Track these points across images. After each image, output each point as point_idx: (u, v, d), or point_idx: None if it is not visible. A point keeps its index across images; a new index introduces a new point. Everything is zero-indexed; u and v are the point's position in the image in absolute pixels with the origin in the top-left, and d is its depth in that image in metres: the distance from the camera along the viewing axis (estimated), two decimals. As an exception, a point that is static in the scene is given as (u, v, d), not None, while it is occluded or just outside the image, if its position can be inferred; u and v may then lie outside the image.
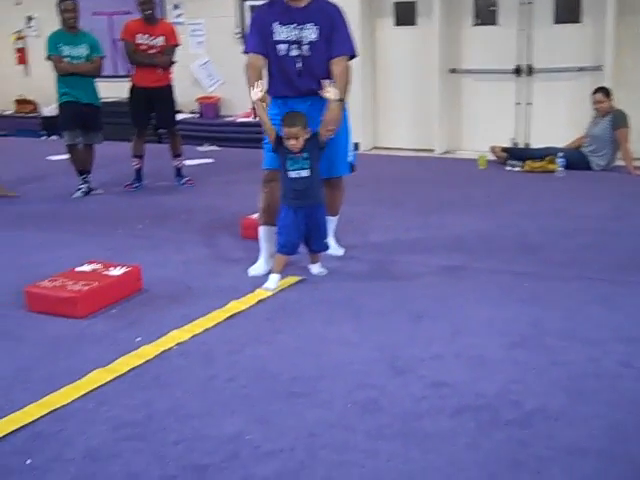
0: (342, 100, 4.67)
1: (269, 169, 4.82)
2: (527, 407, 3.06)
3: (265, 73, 4.76)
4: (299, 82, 4.71)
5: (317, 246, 4.77)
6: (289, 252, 4.64)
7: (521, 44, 9.25)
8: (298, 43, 4.65)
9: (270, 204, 4.82)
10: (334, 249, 5.18)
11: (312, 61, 4.67)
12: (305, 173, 4.52)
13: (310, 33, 4.64)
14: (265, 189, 4.88)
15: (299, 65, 4.67)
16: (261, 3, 4.87)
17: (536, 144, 9.05)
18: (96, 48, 7.30)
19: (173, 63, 7.58)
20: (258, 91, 4.46)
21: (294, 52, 4.66)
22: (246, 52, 4.79)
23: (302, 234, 4.65)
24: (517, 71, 9.32)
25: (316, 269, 4.81)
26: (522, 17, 9.17)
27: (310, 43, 4.65)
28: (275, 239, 4.76)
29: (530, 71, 9.28)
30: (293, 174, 4.53)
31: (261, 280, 4.62)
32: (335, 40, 4.70)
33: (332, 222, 5.19)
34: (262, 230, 4.93)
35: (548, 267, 4.89)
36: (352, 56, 4.79)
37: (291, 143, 4.46)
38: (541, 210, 6.43)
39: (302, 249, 4.79)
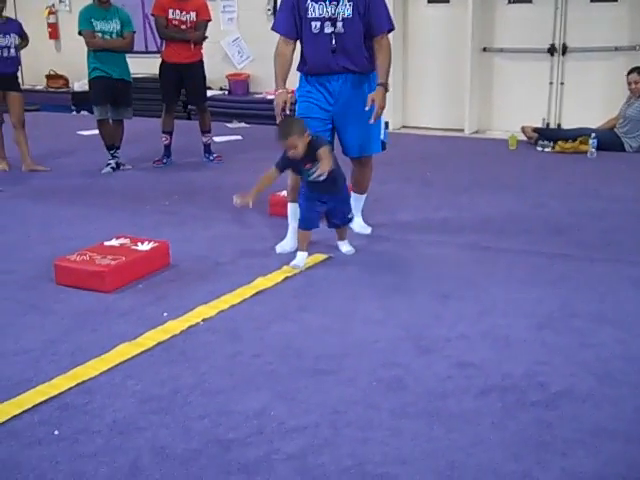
0: (387, 84, 4.69)
1: None
2: (554, 389, 3.04)
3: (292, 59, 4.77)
4: (333, 60, 4.66)
5: (338, 220, 4.71)
6: (307, 227, 4.61)
7: (556, 23, 9.13)
8: (332, 20, 4.59)
9: (298, 182, 4.81)
10: (362, 227, 5.16)
11: (346, 38, 4.62)
12: (321, 178, 4.35)
13: (345, 9, 4.58)
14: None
15: (333, 42, 4.62)
16: None
17: (568, 125, 8.96)
18: (128, 23, 7.31)
19: (205, 39, 7.56)
20: (282, 98, 4.62)
21: (328, 29, 4.61)
22: (275, 30, 4.76)
23: (321, 210, 4.62)
24: (551, 50, 9.20)
25: (344, 247, 4.79)
26: (557, -5, 9.04)
27: (344, 20, 4.59)
28: None
29: (564, 50, 9.16)
30: (310, 179, 4.46)
31: (288, 257, 4.62)
32: (374, 16, 4.64)
33: (360, 200, 5.18)
34: (290, 207, 4.92)
35: (578, 249, 4.84)
36: (390, 30, 4.76)
37: (291, 153, 4.38)
38: (572, 191, 6.36)
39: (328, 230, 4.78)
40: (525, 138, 8.53)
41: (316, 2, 4.59)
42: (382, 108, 4.67)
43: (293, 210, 4.89)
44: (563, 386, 3.06)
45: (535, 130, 8.54)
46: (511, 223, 5.45)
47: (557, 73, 9.28)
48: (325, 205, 4.59)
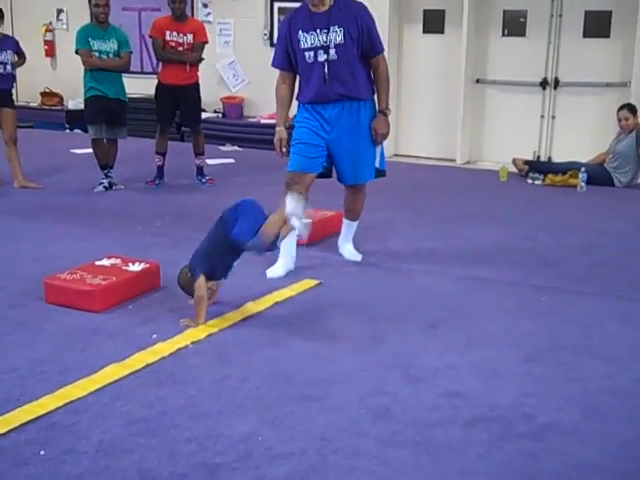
0: (387, 109, 4.81)
1: (292, 171, 4.81)
2: (540, 421, 3.05)
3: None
4: (328, 88, 4.70)
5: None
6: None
7: (549, 57, 9.23)
8: (325, 48, 4.65)
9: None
10: (352, 254, 5.17)
11: (340, 64, 4.67)
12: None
13: (336, 36, 4.63)
14: (287, 192, 4.85)
15: (325, 70, 4.66)
16: (290, 5, 4.92)
17: (558, 158, 9.02)
18: (125, 44, 7.34)
19: (201, 60, 7.61)
20: (280, 135, 4.79)
21: (321, 57, 4.66)
22: (273, 65, 4.88)
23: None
24: (543, 84, 9.30)
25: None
26: (551, 30, 9.14)
27: (337, 46, 4.64)
28: (294, 242, 4.79)
29: (556, 84, 9.25)
30: None
31: (278, 282, 4.63)
32: (368, 40, 4.71)
33: (352, 227, 5.21)
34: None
35: (567, 282, 4.87)
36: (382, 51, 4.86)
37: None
38: (561, 224, 6.41)
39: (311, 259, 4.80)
40: (516, 170, 8.59)
41: (307, 32, 4.65)
42: (386, 134, 4.79)
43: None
44: (549, 419, 3.07)
45: (526, 162, 8.59)
46: (501, 254, 5.48)
47: (549, 106, 9.36)
48: None
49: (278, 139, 4.83)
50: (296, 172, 4.79)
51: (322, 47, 4.65)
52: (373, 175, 5.03)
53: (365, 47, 4.72)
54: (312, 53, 4.67)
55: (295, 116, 4.95)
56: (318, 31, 4.63)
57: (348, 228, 5.18)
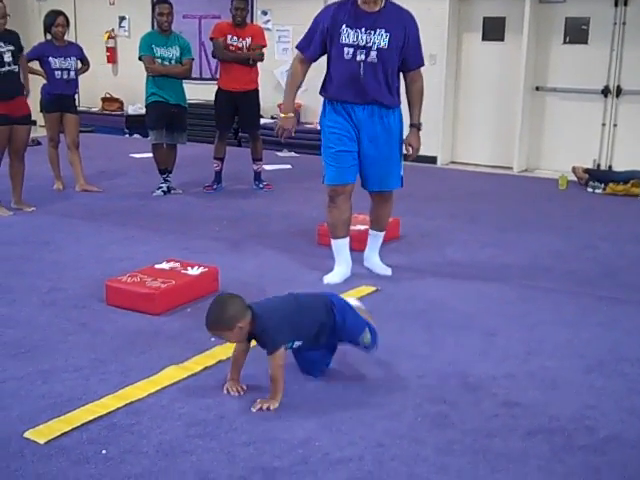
0: (420, 123, 4.71)
1: (332, 185, 4.73)
2: (602, 434, 3.00)
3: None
4: (362, 88, 4.55)
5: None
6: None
7: (611, 64, 9.09)
8: (366, 48, 4.51)
9: (340, 218, 4.79)
10: (381, 268, 5.04)
11: (379, 68, 4.55)
12: None
13: (380, 40, 4.50)
14: (332, 204, 4.78)
15: (362, 71, 4.53)
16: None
17: (620, 167, 8.87)
18: (187, 51, 7.44)
19: (263, 57, 7.63)
20: (287, 123, 4.66)
21: (360, 57, 4.52)
22: (300, 49, 4.68)
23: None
24: (604, 91, 9.16)
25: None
26: (614, 37, 9.01)
27: (379, 50, 4.52)
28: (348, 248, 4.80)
29: (618, 92, 9.10)
30: None
31: (334, 288, 4.63)
32: (411, 51, 4.61)
33: (378, 238, 5.05)
34: (335, 243, 4.89)
35: (628, 292, 4.79)
36: (422, 65, 4.76)
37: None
38: (622, 234, 6.30)
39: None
40: (575, 178, 8.47)
41: (352, 28, 4.50)
42: (419, 149, 4.69)
43: (338, 246, 4.87)
44: (611, 431, 3.02)
45: (586, 171, 8.48)
46: (560, 263, 5.41)
47: (610, 115, 9.23)
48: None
49: (284, 129, 4.71)
50: (336, 185, 4.72)
51: (363, 47, 4.51)
52: (399, 183, 4.86)
53: (407, 57, 4.61)
54: (352, 50, 4.52)
55: (322, 117, 4.77)
56: (363, 30, 4.49)
57: (375, 240, 5.04)
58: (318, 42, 4.60)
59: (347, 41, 4.52)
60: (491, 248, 5.79)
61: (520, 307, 4.49)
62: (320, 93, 4.76)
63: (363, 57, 4.52)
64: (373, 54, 4.52)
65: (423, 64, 4.73)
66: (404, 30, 4.56)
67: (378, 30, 4.51)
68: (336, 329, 3.36)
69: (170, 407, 3.16)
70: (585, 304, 4.55)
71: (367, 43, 4.51)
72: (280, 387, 3.20)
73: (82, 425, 2.98)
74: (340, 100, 4.64)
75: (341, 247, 4.87)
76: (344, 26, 4.51)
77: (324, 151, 4.77)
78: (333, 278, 4.82)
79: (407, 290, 4.75)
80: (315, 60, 4.70)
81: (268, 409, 3.13)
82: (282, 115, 4.76)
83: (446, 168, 10.04)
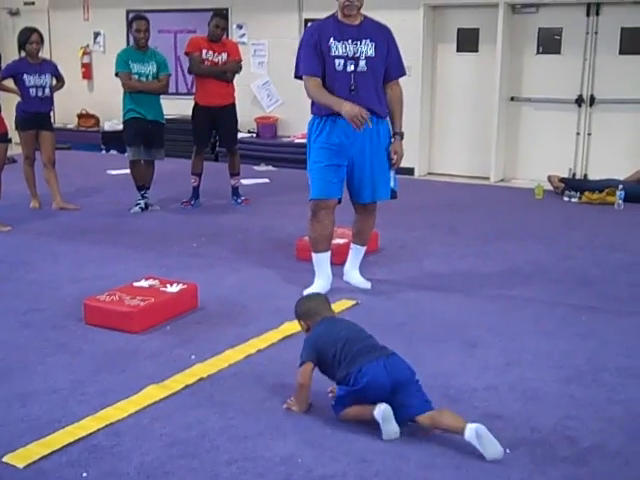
0: (402, 132, 4.77)
1: (318, 199, 4.72)
2: (583, 444, 3.01)
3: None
4: (355, 99, 4.55)
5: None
6: None
7: (584, 74, 9.18)
8: (355, 59, 4.61)
9: (322, 233, 4.79)
10: (361, 282, 5.02)
11: (368, 77, 4.64)
12: None
13: (367, 48, 4.63)
14: (315, 219, 4.77)
15: (352, 81, 4.60)
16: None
17: (594, 175, 8.96)
18: (164, 66, 7.43)
19: (239, 70, 7.63)
20: (353, 108, 4.37)
21: (350, 68, 4.61)
22: (300, 75, 4.70)
23: None
24: (578, 101, 9.25)
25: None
26: (587, 47, 9.11)
27: (367, 58, 4.63)
28: (329, 262, 4.80)
29: (592, 101, 9.19)
30: None
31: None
32: (392, 61, 4.73)
33: (360, 253, 5.04)
34: (317, 257, 4.88)
35: (606, 301, 4.82)
36: (403, 75, 4.88)
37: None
38: (599, 243, 6.35)
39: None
40: (552, 188, 8.53)
41: (339, 41, 4.61)
42: (401, 157, 4.76)
43: (319, 259, 4.86)
44: (593, 442, 3.03)
45: (562, 180, 8.54)
46: (538, 273, 5.44)
47: (584, 124, 9.31)
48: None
49: (354, 110, 4.37)
50: (321, 199, 4.70)
51: (352, 58, 4.61)
52: (389, 194, 4.86)
53: (390, 67, 4.73)
54: (342, 61, 4.61)
55: (310, 133, 4.76)
56: (350, 41, 4.61)
57: (356, 253, 5.04)
58: (316, 59, 4.63)
59: (337, 53, 4.62)
60: (470, 259, 5.81)
61: (499, 318, 4.51)
62: (313, 112, 4.75)
63: (353, 67, 4.62)
64: (362, 63, 4.62)
65: (405, 73, 4.86)
66: (386, 41, 4.71)
67: (363, 40, 4.63)
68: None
69: (151, 427, 3.14)
70: (564, 314, 4.57)
71: (355, 53, 4.62)
72: (299, 397, 3.28)
73: (62, 448, 2.96)
74: (331, 114, 4.62)
75: (322, 261, 4.87)
76: (332, 39, 4.62)
77: (312, 166, 4.74)
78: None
79: (387, 303, 4.76)
80: (321, 75, 4.66)
81: (289, 409, 3.29)
82: (345, 108, 4.41)
83: (424, 179, 10.08)
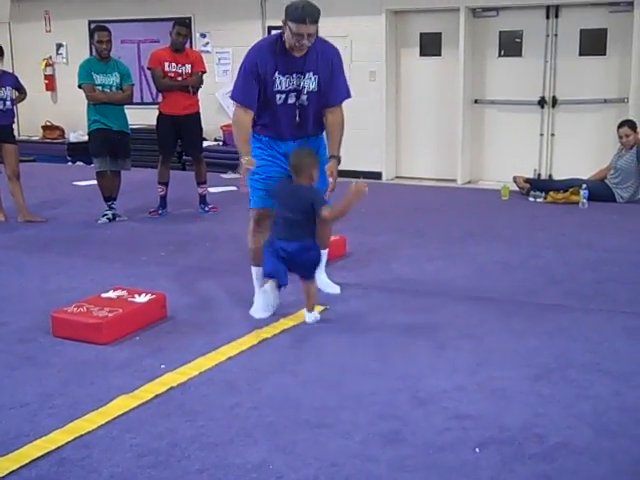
0: (339, 156, 4.57)
1: (261, 208, 4.63)
2: (551, 441, 3.04)
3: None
4: (294, 129, 4.53)
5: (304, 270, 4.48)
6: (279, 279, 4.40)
7: (545, 76, 9.29)
8: (297, 92, 4.48)
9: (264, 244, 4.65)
10: (329, 287, 4.95)
11: (309, 109, 4.53)
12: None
13: (310, 83, 4.47)
14: (257, 228, 4.68)
15: (297, 115, 4.50)
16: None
17: (559, 175, 9.06)
18: (127, 76, 7.40)
19: (201, 84, 7.66)
20: (251, 163, 4.32)
21: (291, 100, 4.49)
22: (237, 101, 4.52)
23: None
24: (541, 102, 9.35)
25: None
26: (547, 49, 9.22)
27: (309, 93, 4.49)
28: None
29: (554, 102, 9.30)
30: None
31: (284, 309, 4.62)
32: (334, 86, 4.55)
33: (323, 256, 4.86)
34: (258, 271, 4.68)
35: (572, 299, 4.87)
36: (347, 97, 4.67)
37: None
38: (564, 242, 6.42)
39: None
40: (517, 188, 8.62)
41: (283, 75, 4.43)
42: (336, 179, 4.53)
43: (260, 275, 4.62)
44: (561, 438, 3.06)
45: (527, 181, 8.63)
46: (505, 273, 5.49)
47: (547, 125, 9.42)
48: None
49: (243, 176, 4.38)
50: (264, 208, 4.60)
51: (294, 90, 4.47)
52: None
53: (331, 92, 4.54)
54: (284, 95, 4.48)
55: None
56: (294, 75, 4.43)
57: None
58: (255, 92, 4.44)
59: (280, 88, 4.46)
60: (438, 261, 5.85)
61: (468, 319, 4.54)
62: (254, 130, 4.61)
63: (294, 100, 4.50)
64: (304, 97, 4.49)
65: (350, 96, 4.67)
66: (330, 68, 4.51)
67: (307, 74, 4.46)
68: None
69: (121, 438, 3.13)
70: (531, 313, 4.62)
71: (298, 86, 4.47)
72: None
73: (31, 462, 2.93)
74: (269, 137, 4.58)
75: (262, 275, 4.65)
76: (277, 74, 4.43)
77: (251, 177, 4.56)
78: (262, 312, 4.49)
79: (356, 307, 4.77)
80: (254, 108, 4.48)
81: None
82: (244, 159, 4.37)
83: (391, 183, 10.13)
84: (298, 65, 4.44)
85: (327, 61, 4.50)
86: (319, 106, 4.57)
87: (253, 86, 4.43)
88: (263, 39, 4.64)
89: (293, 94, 4.49)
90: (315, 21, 4.30)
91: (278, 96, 4.48)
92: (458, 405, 3.38)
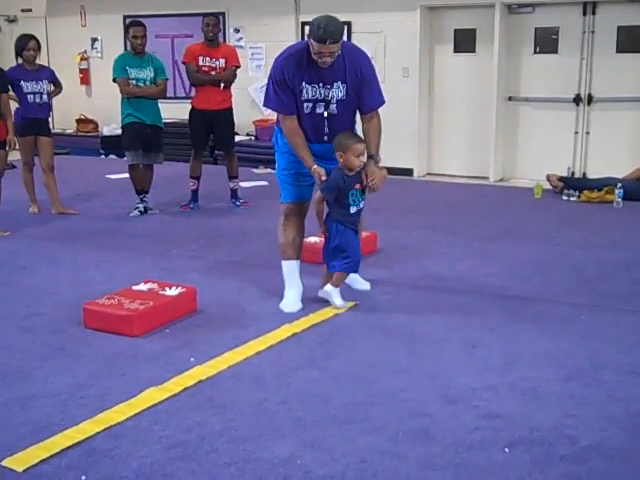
0: (378, 156, 4.56)
1: (291, 203, 4.68)
2: (583, 443, 3.01)
3: None
4: (325, 135, 4.51)
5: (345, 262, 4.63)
6: (356, 269, 4.68)
7: (581, 73, 9.18)
8: (326, 102, 4.46)
9: (295, 237, 4.71)
10: (360, 283, 4.98)
11: (339, 118, 4.50)
12: (362, 205, 4.58)
13: (338, 92, 4.44)
14: (288, 222, 4.71)
15: (326, 124, 4.49)
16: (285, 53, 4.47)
17: (593, 174, 8.95)
18: (162, 71, 7.44)
19: (235, 78, 7.66)
20: (319, 171, 4.40)
21: (320, 109, 4.47)
22: (278, 111, 4.54)
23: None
24: (576, 100, 9.24)
25: (337, 300, 4.67)
26: (583, 46, 9.11)
27: (338, 102, 4.46)
28: (299, 272, 4.76)
29: (590, 100, 9.19)
30: (353, 209, 4.53)
31: (315, 305, 4.62)
32: (367, 93, 4.51)
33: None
34: (288, 265, 4.76)
35: (606, 300, 4.81)
36: (382, 104, 4.62)
37: (362, 160, 4.46)
38: (598, 241, 6.35)
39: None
40: (550, 187, 8.53)
41: (309, 84, 4.41)
42: (381, 179, 4.54)
43: (291, 267, 4.74)
44: (593, 440, 3.02)
45: (561, 179, 8.54)
46: (538, 272, 5.44)
47: (583, 122, 9.30)
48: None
49: (320, 175, 4.42)
50: (294, 203, 4.66)
51: (323, 100, 4.46)
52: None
53: (364, 99, 4.51)
54: (311, 104, 4.46)
55: (277, 141, 4.72)
56: (321, 84, 4.41)
57: None
58: (291, 98, 4.44)
59: (307, 97, 4.45)
60: (470, 259, 5.80)
61: (499, 318, 4.50)
62: (277, 125, 4.67)
63: (322, 109, 4.48)
64: (333, 107, 4.47)
65: (382, 103, 4.61)
66: (359, 74, 4.45)
67: (335, 84, 4.43)
68: None
69: (150, 430, 3.14)
70: (564, 313, 4.57)
71: (326, 97, 4.45)
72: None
73: (61, 451, 2.95)
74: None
75: (293, 269, 4.75)
76: (304, 83, 4.42)
77: (281, 172, 4.68)
78: (293, 306, 4.63)
79: (386, 304, 4.75)
80: (295, 113, 4.50)
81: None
82: (312, 169, 4.44)
83: (423, 180, 10.08)
84: (325, 75, 4.41)
85: (356, 69, 4.45)
86: (349, 113, 4.55)
87: (287, 94, 4.43)
88: (290, 47, 4.59)
89: (322, 104, 4.46)
90: (336, 41, 4.24)
91: (306, 105, 4.46)
92: (488, 404, 3.35)
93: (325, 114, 4.49)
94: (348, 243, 4.56)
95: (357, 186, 4.49)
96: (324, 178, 4.43)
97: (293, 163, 4.59)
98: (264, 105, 4.63)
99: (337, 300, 4.60)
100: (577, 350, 3.97)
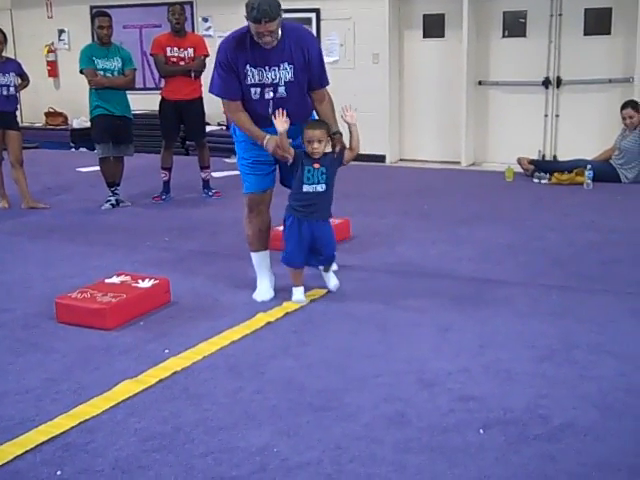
0: (340, 132, 4.49)
1: (253, 193, 4.63)
2: (556, 422, 3.04)
3: None
4: (270, 121, 4.36)
5: (324, 262, 4.67)
6: (296, 264, 4.57)
7: (550, 56, 9.24)
8: (273, 85, 4.38)
9: (261, 228, 4.68)
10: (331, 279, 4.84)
11: (288, 100, 4.41)
12: (320, 188, 4.42)
13: (286, 74, 4.37)
14: (252, 214, 4.67)
15: (271, 109, 4.37)
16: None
17: (563, 156, 9.02)
18: (129, 61, 7.38)
19: (204, 68, 7.61)
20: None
21: (268, 95, 4.40)
22: (222, 96, 4.46)
23: (306, 247, 4.53)
24: (545, 83, 9.30)
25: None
26: (551, 29, 9.16)
27: (286, 83, 4.39)
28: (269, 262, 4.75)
29: (559, 83, 9.25)
30: (308, 188, 4.41)
31: (288, 293, 4.62)
32: (314, 72, 4.45)
33: None
34: (257, 257, 4.75)
35: (577, 280, 4.86)
36: (327, 84, 4.59)
37: (314, 147, 4.32)
38: (569, 223, 6.40)
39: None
40: (522, 170, 8.58)
41: (255, 67, 4.33)
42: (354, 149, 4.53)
43: (260, 259, 4.73)
44: (565, 419, 3.06)
45: (531, 162, 8.59)
46: (510, 255, 5.47)
47: (552, 105, 9.37)
48: (310, 241, 4.51)
49: (276, 145, 4.31)
50: (256, 192, 4.61)
51: (270, 84, 4.37)
52: None
53: (311, 79, 4.46)
54: (259, 89, 4.37)
55: (234, 131, 4.62)
56: (267, 68, 4.33)
57: None
58: (236, 83, 4.37)
59: (253, 81, 4.36)
60: (442, 244, 5.83)
61: (472, 301, 4.53)
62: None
63: (271, 94, 4.40)
64: (281, 89, 4.40)
65: (328, 83, 4.57)
66: (306, 54, 4.39)
67: (282, 65, 4.36)
68: None
69: (125, 422, 3.13)
70: (536, 295, 4.60)
71: (273, 80, 4.37)
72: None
73: (36, 447, 2.94)
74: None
75: (263, 260, 4.74)
76: (248, 66, 4.34)
77: (241, 162, 4.63)
78: (265, 295, 4.65)
79: (360, 290, 4.76)
80: (240, 99, 4.44)
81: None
82: (266, 147, 4.35)
83: (395, 166, 10.10)
84: (270, 57, 4.33)
85: (302, 48, 4.38)
86: (300, 95, 4.47)
87: (232, 78, 4.36)
88: (234, 31, 4.48)
89: (269, 88, 4.38)
90: (272, 19, 4.15)
91: (253, 90, 4.38)
92: (462, 387, 3.38)
93: (272, 100, 4.38)
94: (288, 234, 4.51)
95: (316, 165, 4.38)
96: (290, 151, 4.34)
97: (250, 151, 4.53)
98: (209, 91, 4.53)
99: (294, 295, 4.56)
100: (549, 331, 4.01)
